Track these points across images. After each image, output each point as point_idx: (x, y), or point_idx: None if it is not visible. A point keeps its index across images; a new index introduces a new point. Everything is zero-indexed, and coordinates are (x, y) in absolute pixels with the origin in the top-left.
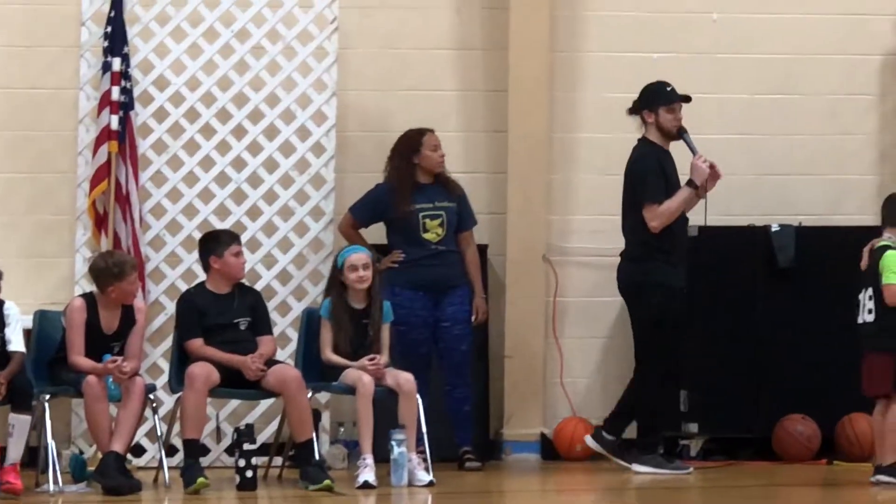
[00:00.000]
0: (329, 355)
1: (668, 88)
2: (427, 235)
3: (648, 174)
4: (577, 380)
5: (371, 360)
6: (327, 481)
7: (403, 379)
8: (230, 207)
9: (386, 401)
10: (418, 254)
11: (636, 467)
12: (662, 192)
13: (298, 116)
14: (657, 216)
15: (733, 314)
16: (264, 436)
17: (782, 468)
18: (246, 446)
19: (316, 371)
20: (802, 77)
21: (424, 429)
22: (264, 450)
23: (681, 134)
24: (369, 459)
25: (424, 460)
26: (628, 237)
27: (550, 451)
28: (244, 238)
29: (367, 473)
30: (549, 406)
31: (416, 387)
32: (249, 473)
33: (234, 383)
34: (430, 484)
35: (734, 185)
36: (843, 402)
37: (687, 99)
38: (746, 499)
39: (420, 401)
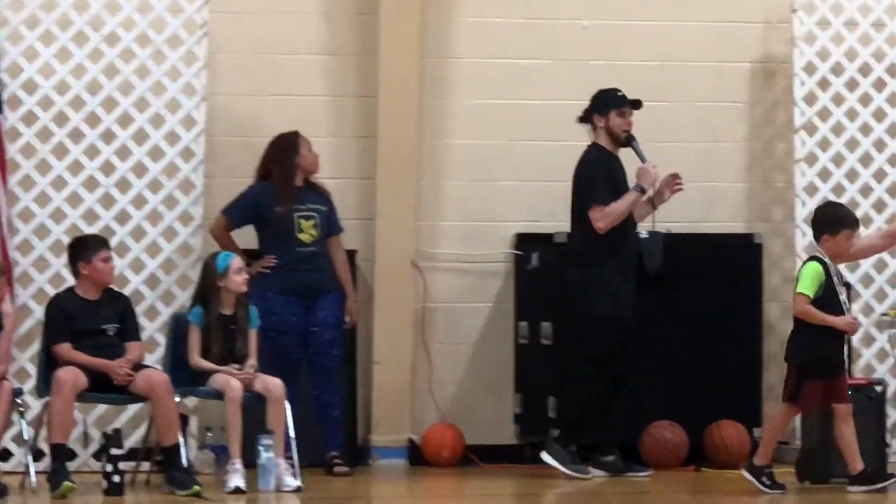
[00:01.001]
0: (197, 360)
1: (619, 94)
2: (301, 236)
3: (596, 177)
4: (446, 386)
5: (240, 368)
6: (196, 487)
7: (272, 384)
8: (98, 212)
9: (254, 406)
10: (291, 257)
11: (543, 455)
12: (609, 194)
13: (168, 121)
14: (603, 217)
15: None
16: (132, 440)
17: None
18: (113, 451)
19: (184, 376)
20: (672, 84)
21: (292, 434)
22: (132, 455)
23: (629, 141)
24: (238, 464)
25: (292, 465)
26: (575, 242)
27: (418, 457)
28: (112, 242)
29: (237, 478)
30: (417, 412)
31: (284, 392)
32: (117, 478)
33: (101, 388)
34: (298, 489)
35: None
36: (711, 408)
37: (637, 104)
38: None
39: (288, 406)
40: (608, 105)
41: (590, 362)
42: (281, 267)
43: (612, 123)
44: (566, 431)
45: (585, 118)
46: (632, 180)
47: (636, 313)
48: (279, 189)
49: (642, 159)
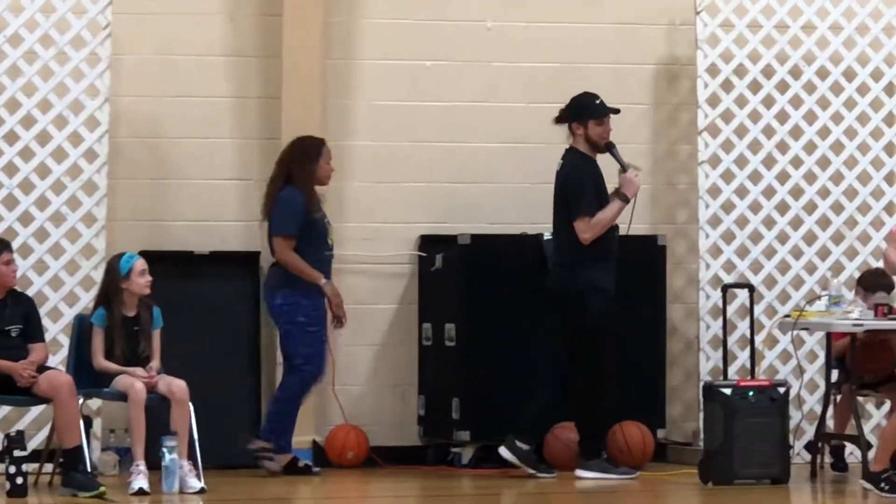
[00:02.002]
0: (101, 362)
1: (598, 101)
2: (329, 241)
3: (584, 187)
4: (350, 387)
5: (145, 371)
6: (102, 488)
7: (175, 385)
8: (1, 213)
9: (158, 407)
10: (324, 263)
11: (580, 472)
12: (595, 204)
13: (71, 122)
14: (590, 228)
15: (505, 322)
16: (35, 442)
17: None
18: (16, 453)
19: (87, 377)
20: (575, 86)
21: (196, 435)
22: (35, 456)
23: (609, 148)
24: (142, 466)
25: (196, 467)
26: (562, 245)
27: (322, 458)
28: (15, 244)
29: (141, 480)
30: (321, 413)
31: (188, 394)
32: (20, 480)
33: (4, 389)
34: (202, 491)
35: (508, 193)
36: (615, 410)
37: (616, 111)
38: None
39: (192, 407)
40: (586, 114)
41: (587, 367)
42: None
43: (591, 133)
44: (588, 445)
45: (562, 120)
46: (611, 185)
47: (617, 314)
48: (309, 194)
49: (623, 167)
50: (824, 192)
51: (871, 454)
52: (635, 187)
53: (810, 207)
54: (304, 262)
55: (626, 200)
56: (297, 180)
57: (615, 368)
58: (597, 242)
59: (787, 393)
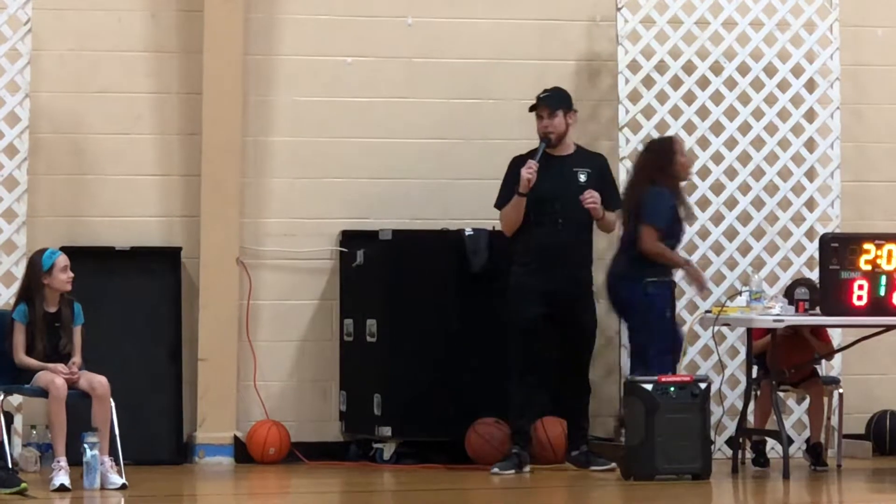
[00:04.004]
0: (22, 358)
1: (541, 95)
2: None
3: (504, 180)
4: (271, 383)
5: (66, 367)
6: (23, 484)
7: (97, 382)
8: None
9: (79, 404)
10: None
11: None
12: (505, 198)
13: None
14: (500, 220)
15: (427, 317)
16: None
17: (474, 472)
18: None
19: (8, 373)
20: (496, 82)
21: (117, 431)
22: None
23: (542, 140)
24: (63, 462)
25: (117, 463)
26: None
27: (244, 454)
28: None
29: (62, 476)
30: (242, 409)
31: (109, 390)
32: None
33: None
34: (123, 487)
35: (429, 188)
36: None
37: (533, 107)
38: (440, 501)
39: (113, 404)
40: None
41: (509, 362)
42: None
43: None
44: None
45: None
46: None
47: (559, 311)
48: (675, 190)
49: (532, 157)
50: (745, 188)
51: (791, 449)
52: (524, 180)
53: (731, 203)
54: (670, 250)
55: (520, 195)
56: (662, 180)
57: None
58: (519, 242)
59: (708, 388)
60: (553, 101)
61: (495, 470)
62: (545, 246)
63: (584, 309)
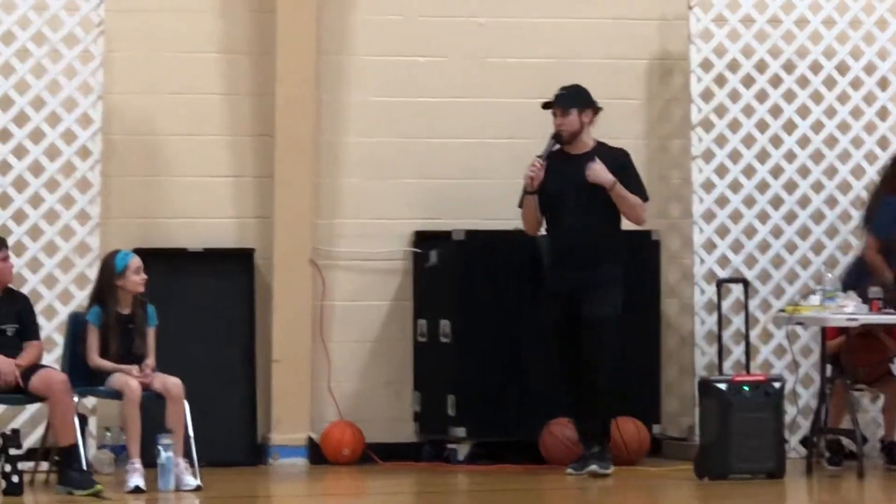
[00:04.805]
0: (96, 360)
1: (556, 94)
2: None
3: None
4: (345, 384)
5: (140, 369)
6: (98, 486)
7: (171, 383)
8: None
9: (153, 405)
10: None
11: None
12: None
13: (64, 119)
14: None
15: (500, 318)
16: (31, 440)
17: (549, 472)
18: (12, 451)
19: (82, 375)
20: (568, 81)
21: (192, 433)
22: (31, 455)
23: (552, 137)
24: (138, 464)
25: (191, 464)
26: None
27: (318, 455)
28: (9, 242)
29: (137, 478)
30: (316, 410)
31: (183, 391)
32: (16, 478)
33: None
34: (198, 488)
35: (502, 188)
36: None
37: (545, 105)
38: (514, 502)
39: (187, 405)
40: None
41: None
42: None
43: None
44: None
45: None
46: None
47: (580, 311)
48: None
49: (540, 155)
50: (818, 186)
51: (866, 448)
52: (526, 178)
53: (804, 201)
54: (882, 265)
55: (526, 192)
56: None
57: (571, 368)
58: (546, 242)
59: (782, 388)
60: (565, 100)
61: (569, 470)
62: (556, 247)
63: (591, 305)
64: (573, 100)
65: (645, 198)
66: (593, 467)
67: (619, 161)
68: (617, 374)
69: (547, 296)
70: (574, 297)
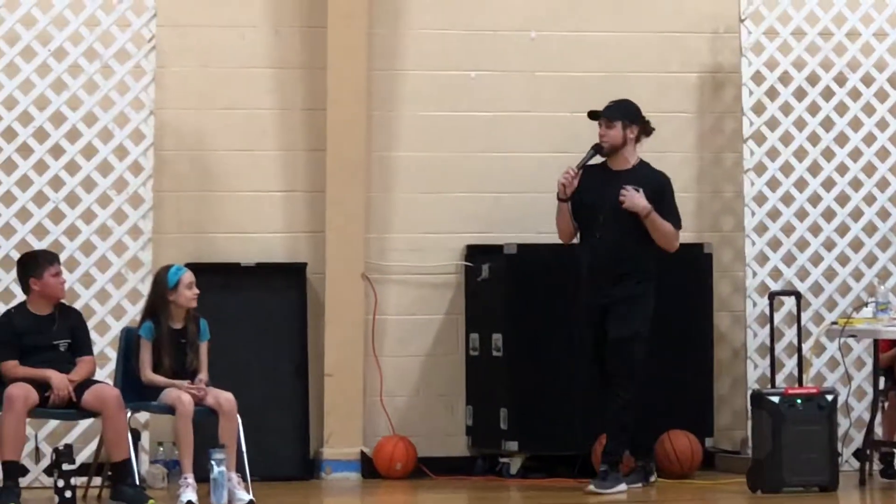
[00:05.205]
0: (149, 375)
1: (607, 105)
2: None
3: None
4: (397, 398)
5: (193, 383)
6: (151, 501)
7: (223, 398)
8: (48, 227)
9: (206, 420)
10: None
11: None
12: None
13: (116, 135)
14: None
15: (552, 331)
16: (83, 456)
17: None
18: (65, 466)
19: (135, 390)
20: (620, 95)
21: (244, 448)
22: (84, 470)
23: (593, 148)
24: (190, 479)
25: (244, 479)
26: None
27: (370, 469)
28: (62, 258)
29: (190, 493)
30: (368, 424)
31: (236, 406)
32: (68, 494)
33: (53, 403)
34: (250, 503)
35: (553, 202)
36: (663, 419)
37: (592, 115)
38: None
39: (240, 420)
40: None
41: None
42: None
43: None
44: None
45: None
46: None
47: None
48: None
49: (577, 165)
50: (870, 199)
51: None
52: (559, 185)
53: (856, 214)
54: None
55: (560, 199)
56: None
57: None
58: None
59: (835, 400)
60: (611, 112)
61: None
62: (587, 261)
63: (615, 323)
64: (620, 112)
65: (678, 226)
66: (591, 487)
67: (657, 185)
68: (640, 393)
69: (579, 308)
70: (602, 312)
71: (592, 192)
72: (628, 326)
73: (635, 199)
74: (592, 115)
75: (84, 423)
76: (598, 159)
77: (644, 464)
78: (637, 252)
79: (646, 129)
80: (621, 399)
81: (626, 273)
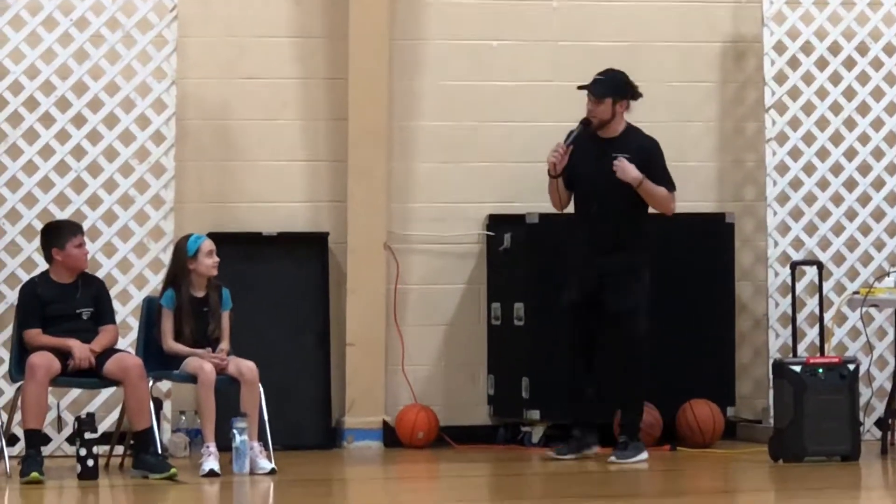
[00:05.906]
0: (171, 344)
1: (595, 77)
2: None
3: None
4: (419, 367)
5: (215, 351)
6: (173, 470)
7: (245, 367)
8: (70, 196)
9: (228, 389)
10: None
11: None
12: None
13: (138, 105)
14: None
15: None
16: (105, 424)
17: None
18: (87, 435)
19: (157, 359)
20: (642, 65)
21: (266, 417)
22: (106, 438)
23: (582, 122)
24: (213, 448)
25: (266, 448)
26: None
27: (392, 438)
28: (84, 227)
29: (212, 461)
30: (390, 394)
31: (258, 375)
32: (91, 462)
33: (75, 372)
34: (272, 472)
35: None
36: (685, 388)
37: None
38: (589, 485)
39: (261, 389)
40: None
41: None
42: None
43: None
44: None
45: None
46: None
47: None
48: None
49: (565, 139)
50: (892, 168)
51: None
52: (548, 163)
53: (878, 184)
54: None
55: (549, 175)
56: None
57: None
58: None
59: (856, 370)
60: (600, 89)
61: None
62: (582, 232)
63: (613, 296)
64: (609, 89)
65: (672, 188)
66: (612, 458)
67: (645, 150)
68: (644, 367)
69: (570, 277)
70: (587, 283)
71: (585, 162)
72: (627, 302)
73: (627, 169)
74: (582, 87)
75: (106, 392)
76: None
77: (582, 434)
78: (634, 221)
79: (633, 96)
80: (630, 373)
81: (623, 243)
